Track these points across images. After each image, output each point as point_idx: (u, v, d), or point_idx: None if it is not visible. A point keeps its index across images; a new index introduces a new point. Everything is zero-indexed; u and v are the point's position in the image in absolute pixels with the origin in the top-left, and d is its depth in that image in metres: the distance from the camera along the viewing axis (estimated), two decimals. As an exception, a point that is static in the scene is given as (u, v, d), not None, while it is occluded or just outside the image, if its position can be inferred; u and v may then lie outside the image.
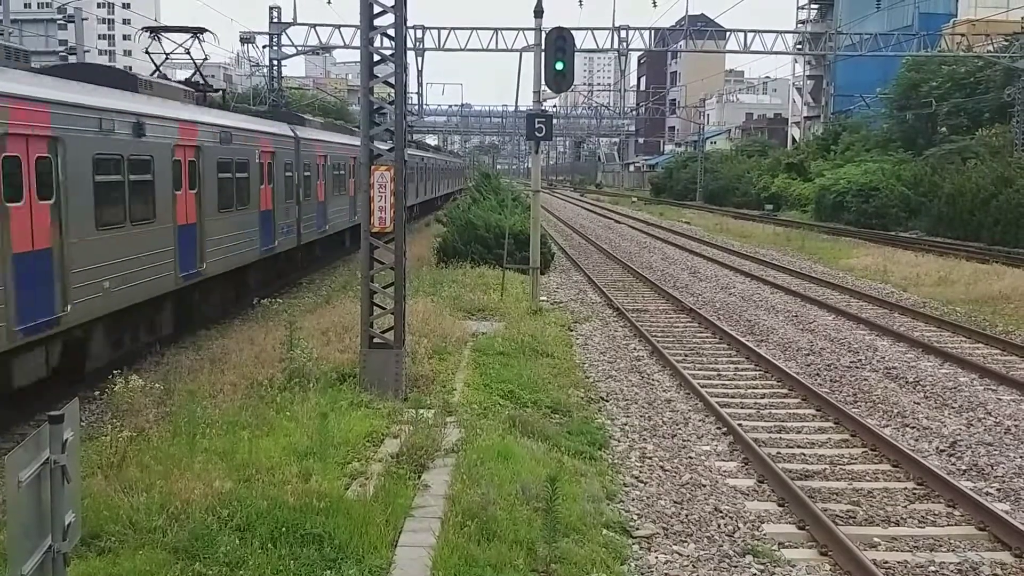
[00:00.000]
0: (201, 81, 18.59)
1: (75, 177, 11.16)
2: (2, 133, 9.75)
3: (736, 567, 7.10)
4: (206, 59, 19.37)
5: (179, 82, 18.05)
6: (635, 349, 15.63)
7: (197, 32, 18.86)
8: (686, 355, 15.02)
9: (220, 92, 21.79)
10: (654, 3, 50.66)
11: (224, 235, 16.52)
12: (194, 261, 15.11)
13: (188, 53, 19.09)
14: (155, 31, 19.07)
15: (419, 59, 52.00)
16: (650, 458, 9.70)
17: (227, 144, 16.71)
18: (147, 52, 18.15)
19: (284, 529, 6.32)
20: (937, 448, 10.26)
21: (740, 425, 10.65)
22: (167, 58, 18.01)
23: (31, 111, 10.33)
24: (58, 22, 45.13)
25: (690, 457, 9.78)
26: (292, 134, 22.00)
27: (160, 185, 13.70)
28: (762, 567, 7.11)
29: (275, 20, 47.01)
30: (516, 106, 31.06)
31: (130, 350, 13.50)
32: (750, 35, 50.56)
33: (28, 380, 10.73)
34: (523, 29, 44.33)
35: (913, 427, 11.08)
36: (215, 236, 15.99)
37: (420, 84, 59.02)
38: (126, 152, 12.64)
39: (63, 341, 11.42)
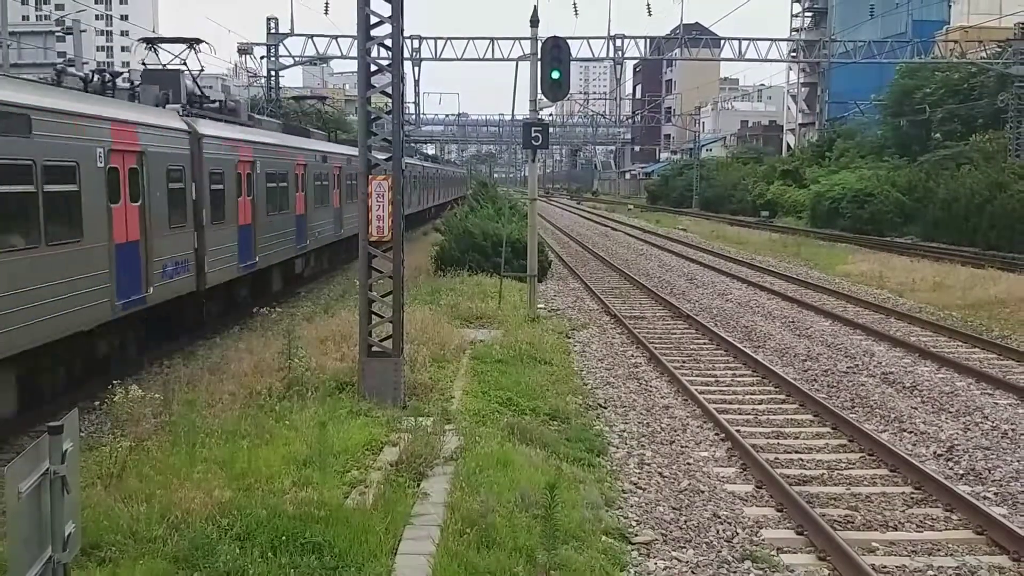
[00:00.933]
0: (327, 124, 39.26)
1: (309, 184, 23.49)
2: (294, 164, 21.96)
3: (735, 573, 7.11)
4: (329, 114, 32.95)
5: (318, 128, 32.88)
6: (633, 356, 15.65)
7: (322, 99, 34.51)
8: (684, 361, 15.04)
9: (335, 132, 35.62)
10: (649, 12, 50.90)
11: (349, 216, 27.39)
12: (339, 229, 27.21)
13: (321, 123, 39.38)
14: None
15: (416, 69, 52.10)
16: (649, 464, 9.72)
17: (349, 165, 27.60)
18: (302, 100, 30.31)
19: (284, 538, 6.32)
20: (935, 452, 10.29)
21: (738, 431, 10.67)
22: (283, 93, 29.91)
23: (299, 153, 22.77)
24: (56, 34, 45.21)
25: (688, 463, 9.79)
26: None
27: (331, 188, 26.29)
28: (761, 572, 7.13)
29: (272, 31, 47.10)
30: (512, 115, 31.24)
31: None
32: (744, 43, 50.75)
33: (237, 301, 18.68)
34: (519, 39, 44.49)
35: (910, 432, 11.10)
36: (346, 216, 27.49)
37: (417, 94, 59.18)
38: (319, 171, 24.62)
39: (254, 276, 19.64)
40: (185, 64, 18.21)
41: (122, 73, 15.29)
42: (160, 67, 17.98)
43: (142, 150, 13.37)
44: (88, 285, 11.73)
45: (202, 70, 18.73)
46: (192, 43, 18.30)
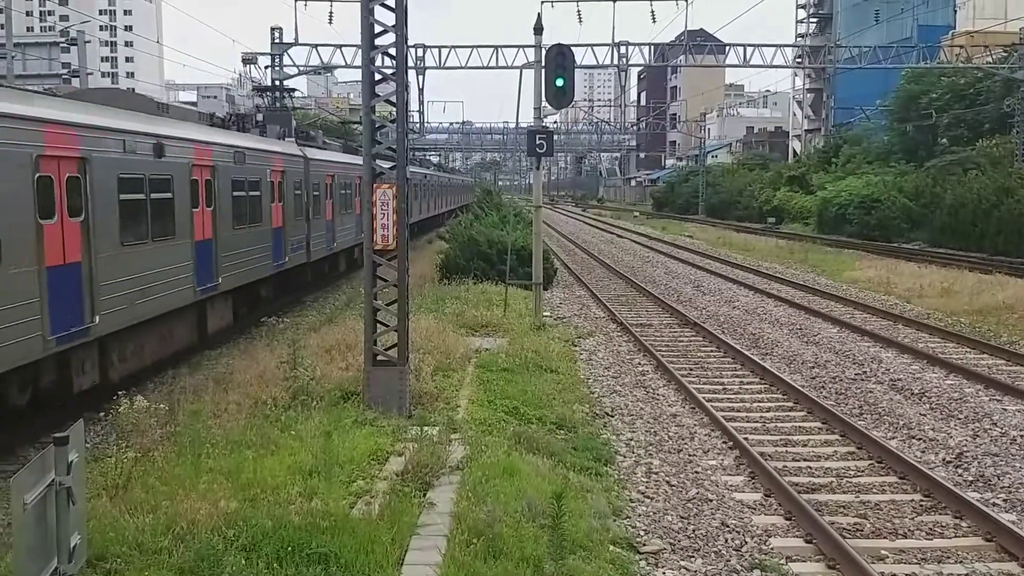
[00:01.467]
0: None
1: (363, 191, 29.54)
2: (354, 176, 26.35)
3: (744, 582, 7.06)
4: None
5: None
6: (639, 364, 15.61)
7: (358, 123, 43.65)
8: (691, 369, 14.99)
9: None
10: (653, 19, 50.96)
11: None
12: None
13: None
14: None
15: (420, 77, 52.30)
16: (656, 473, 9.67)
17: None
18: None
19: (290, 548, 6.30)
20: (944, 459, 10.23)
21: (746, 439, 10.62)
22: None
23: (356, 168, 23.52)
24: (61, 45, 45.43)
25: (696, 472, 9.75)
26: (423, 172, 48.46)
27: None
28: (770, 581, 7.07)
29: (277, 41, 47.30)
30: (517, 123, 31.26)
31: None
32: (749, 49, 50.82)
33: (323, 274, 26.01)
34: (523, 46, 44.62)
35: (919, 439, 11.04)
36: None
37: (421, 102, 59.33)
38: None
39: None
40: (285, 107, 26.38)
41: (248, 115, 21.96)
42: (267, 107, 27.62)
43: (284, 170, 20.78)
44: (262, 251, 19.06)
45: (295, 109, 27.38)
46: (289, 91, 26.95)
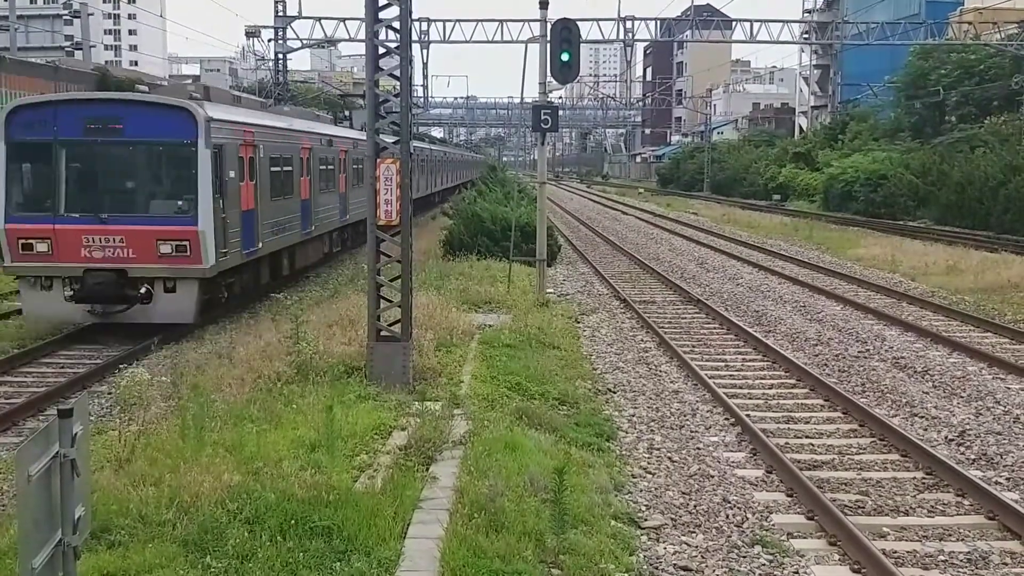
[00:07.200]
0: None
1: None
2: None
3: (745, 557, 7.09)
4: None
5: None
6: (642, 340, 15.61)
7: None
8: (693, 346, 14.99)
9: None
10: (660, -7, 50.45)
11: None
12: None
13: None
14: None
15: (424, 51, 51.98)
16: (658, 449, 9.70)
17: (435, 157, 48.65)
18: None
19: (293, 522, 6.33)
20: (946, 437, 10.23)
21: (748, 415, 10.63)
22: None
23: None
24: (64, 17, 45.25)
25: (698, 448, 9.77)
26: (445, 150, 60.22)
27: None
28: (771, 557, 7.10)
29: (280, 13, 46.96)
30: (521, 98, 31.17)
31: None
32: (756, 25, 50.40)
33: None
34: (528, 20, 44.27)
35: (922, 416, 11.05)
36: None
37: (425, 76, 58.99)
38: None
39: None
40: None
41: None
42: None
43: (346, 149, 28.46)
44: (334, 209, 25.42)
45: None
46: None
